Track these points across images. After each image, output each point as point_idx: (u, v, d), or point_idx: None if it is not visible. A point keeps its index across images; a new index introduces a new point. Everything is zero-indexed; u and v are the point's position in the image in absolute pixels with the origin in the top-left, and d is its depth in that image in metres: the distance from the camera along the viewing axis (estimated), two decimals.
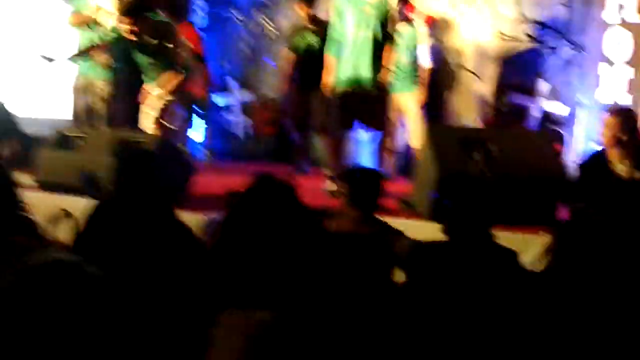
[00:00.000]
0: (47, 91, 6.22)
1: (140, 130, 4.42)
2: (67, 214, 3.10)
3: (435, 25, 5.80)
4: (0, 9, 6.33)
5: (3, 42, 6.31)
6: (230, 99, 6.90)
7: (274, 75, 6.79)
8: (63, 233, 3.06)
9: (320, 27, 5.62)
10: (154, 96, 4.44)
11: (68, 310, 1.12)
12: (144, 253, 2.33)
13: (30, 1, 6.38)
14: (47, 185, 3.98)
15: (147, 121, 4.47)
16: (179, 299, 2.01)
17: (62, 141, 4.24)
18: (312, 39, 5.60)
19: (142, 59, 4.46)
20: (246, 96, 6.90)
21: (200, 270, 2.24)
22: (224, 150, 6.68)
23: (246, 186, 2.52)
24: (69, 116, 5.26)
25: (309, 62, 5.59)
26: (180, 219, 2.64)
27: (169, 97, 4.45)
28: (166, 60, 4.44)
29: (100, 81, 4.94)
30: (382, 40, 4.44)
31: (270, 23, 6.80)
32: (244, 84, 6.82)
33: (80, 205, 3.15)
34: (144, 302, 2.03)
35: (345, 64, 4.48)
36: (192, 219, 3.12)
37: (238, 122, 6.91)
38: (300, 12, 5.66)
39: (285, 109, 6.40)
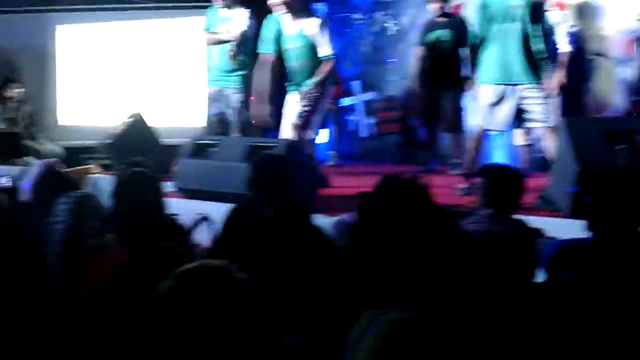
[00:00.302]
0: (183, 101, 6.57)
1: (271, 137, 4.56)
2: (206, 219, 3.24)
3: (577, 10, 5.50)
4: (138, 25, 6.81)
5: (140, 56, 6.75)
6: (353, 100, 6.95)
7: (397, 73, 6.76)
8: (202, 237, 3.20)
9: (452, 22, 5.54)
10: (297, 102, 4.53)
11: (221, 311, 1.17)
12: (279, 256, 2.39)
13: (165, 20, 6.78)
14: (185, 192, 4.20)
15: (287, 127, 4.57)
16: (316, 300, 2.04)
17: (198, 149, 4.45)
18: (443, 35, 5.50)
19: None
20: (370, 96, 6.92)
21: (335, 272, 2.27)
22: (349, 152, 6.74)
23: (376, 187, 2.53)
24: (204, 124, 5.53)
25: (439, 58, 5.52)
26: (313, 222, 2.69)
27: (309, 104, 4.52)
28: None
29: (231, 90, 5.15)
30: (531, 31, 4.20)
31: (392, 21, 6.77)
32: (367, 84, 6.84)
33: (217, 210, 3.30)
34: (281, 304, 2.08)
35: (491, 58, 4.27)
36: (322, 221, 3.17)
37: (362, 122, 6.94)
38: (431, 7, 5.58)
39: (410, 106, 6.35)
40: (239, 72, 5.13)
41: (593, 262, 2.19)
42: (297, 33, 4.52)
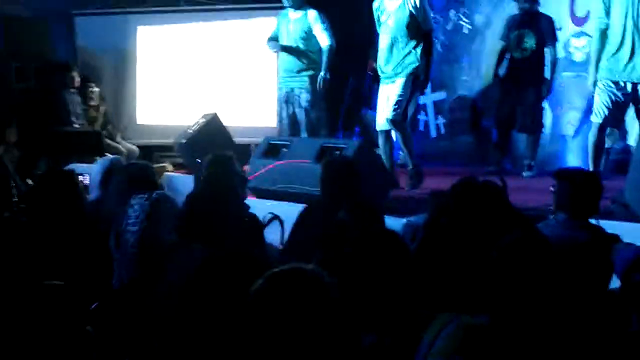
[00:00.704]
0: (256, 101, 6.71)
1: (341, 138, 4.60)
2: (277, 219, 3.31)
3: None
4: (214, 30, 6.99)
5: (215, 56, 6.92)
6: (424, 99, 6.91)
7: (469, 73, 6.67)
8: (273, 237, 3.27)
9: (537, 20, 5.42)
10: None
11: (310, 314, 1.23)
12: (355, 258, 2.41)
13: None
14: (258, 192, 4.30)
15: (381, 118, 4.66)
16: (388, 304, 2.05)
17: (270, 149, 4.55)
18: (527, 33, 5.39)
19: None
20: (440, 96, 6.86)
21: (407, 274, 2.28)
22: (419, 152, 6.71)
23: (451, 189, 2.52)
24: (275, 124, 5.63)
25: (522, 57, 5.41)
26: (383, 223, 2.71)
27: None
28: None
29: (301, 90, 5.23)
30: None
31: (466, 19, 6.69)
32: (439, 84, 6.78)
33: (289, 210, 3.37)
34: (357, 305, 2.11)
35: (615, 56, 4.16)
36: (393, 222, 3.19)
37: (432, 122, 6.89)
38: (515, 4, 5.48)
39: (484, 106, 6.27)
40: (307, 72, 5.21)
41: None
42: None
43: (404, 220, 3.31)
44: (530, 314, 1.73)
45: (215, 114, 5.43)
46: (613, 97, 4.19)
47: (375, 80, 6.24)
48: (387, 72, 4.67)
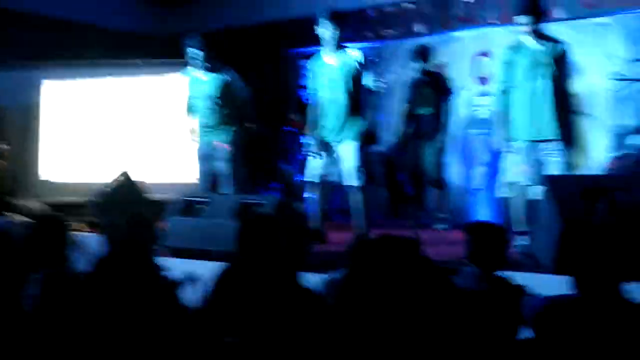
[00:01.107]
0: (173, 157, 6.63)
1: (261, 193, 4.62)
2: (194, 279, 3.25)
3: None
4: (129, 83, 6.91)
5: (128, 112, 6.83)
6: None
7: (385, 129, 6.90)
8: (190, 297, 3.20)
9: (435, 81, 5.71)
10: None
11: None
12: (269, 316, 2.40)
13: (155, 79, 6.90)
14: (175, 250, 4.21)
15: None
16: None
17: (188, 207, 4.49)
18: (427, 92, 5.66)
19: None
20: None
21: (325, 331, 2.29)
22: (337, 206, 6.80)
23: (368, 243, 2.57)
24: (195, 180, 5.58)
25: (422, 115, 5.67)
26: (302, 281, 2.71)
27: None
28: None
29: (221, 145, 5.23)
30: (561, 88, 4.32)
31: (380, 79, 6.95)
32: None
33: (207, 269, 3.31)
34: None
35: (520, 115, 4.35)
36: (312, 278, 3.20)
37: None
38: (414, 66, 5.77)
39: (398, 162, 6.49)
40: (227, 127, 5.24)
41: (577, 319, 2.23)
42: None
43: (326, 277, 3.32)
44: None
45: (128, 172, 5.33)
46: (522, 156, 4.38)
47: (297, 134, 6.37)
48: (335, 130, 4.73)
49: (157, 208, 4.92)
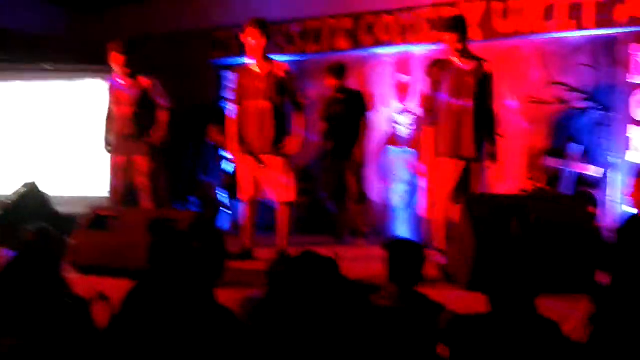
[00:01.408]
0: (83, 168, 6.35)
1: (176, 209, 4.47)
2: (103, 297, 3.08)
3: None
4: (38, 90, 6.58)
5: (37, 121, 6.50)
6: None
7: (304, 144, 6.88)
8: (99, 315, 3.03)
9: (350, 97, 5.73)
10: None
11: None
12: (181, 336, 2.30)
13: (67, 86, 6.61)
14: (82, 267, 4.00)
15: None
16: None
17: (97, 221, 4.28)
18: (341, 109, 5.67)
19: None
20: None
21: (242, 349, 2.20)
22: (260, 222, 6.69)
23: (287, 262, 2.50)
24: (105, 194, 5.35)
25: (339, 132, 5.67)
26: (217, 299, 2.61)
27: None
28: None
29: (139, 157, 5.03)
30: (484, 108, 4.38)
31: (303, 93, 6.92)
32: None
33: (116, 286, 3.15)
34: None
35: (444, 133, 4.38)
36: (230, 296, 3.10)
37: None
38: (328, 83, 5.76)
39: (318, 178, 6.49)
40: (145, 138, 5.07)
41: (489, 335, 2.26)
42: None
43: (243, 296, 3.22)
44: None
45: (35, 182, 5.06)
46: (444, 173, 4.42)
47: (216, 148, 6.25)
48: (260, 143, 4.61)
49: (65, 222, 4.68)
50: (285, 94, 4.61)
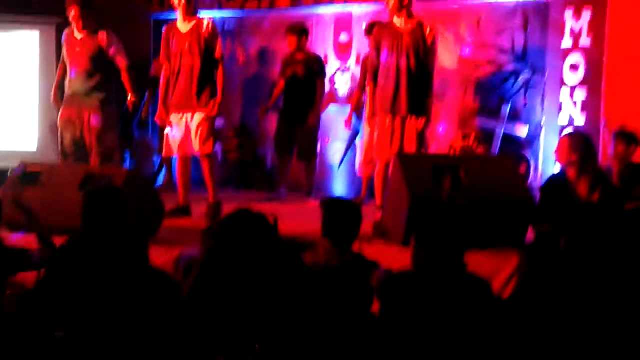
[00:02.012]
0: (14, 123, 6.11)
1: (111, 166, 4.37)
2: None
3: None
4: None
5: None
6: None
7: (244, 101, 6.80)
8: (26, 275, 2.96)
9: (309, 58, 5.70)
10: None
11: None
12: (113, 296, 2.26)
13: None
14: (10, 224, 3.86)
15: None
16: (156, 347, 1.95)
17: (27, 177, 4.14)
18: (299, 71, 5.66)
19: None
20: (218, 123, 6.88)
21: (177, 313, 2.19)
22: (194, 179, 6.63)
23: (223, 221, 2.49)
24: (33, 149, 5.17)
25: (297, 92, 5.65)
26: (150, 259, 2.59)
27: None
28: None
29: (90, 113, 4.90)
30: (422, 68, 4.44)
31: (242, 49, 6.83)
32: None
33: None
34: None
35: (382, 92, 4.44)
36: (163, 254, 3.08)
37: None
38: (289, 42, 5.72)
39: (259, 135, 6.46)
40: (98, 94, 4.91)
41: (419, 292, 2.32)
42: None
43: (176, 255, 3.21)
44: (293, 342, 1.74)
45: None
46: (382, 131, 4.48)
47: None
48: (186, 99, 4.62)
49: None
50: (211, 50, 4.61)
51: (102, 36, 4.92)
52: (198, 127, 4.62)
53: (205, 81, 4.60)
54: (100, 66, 4.91)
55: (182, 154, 4.73)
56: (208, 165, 4.70)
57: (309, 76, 5.69)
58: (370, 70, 4.56)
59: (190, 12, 4.60)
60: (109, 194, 2.78)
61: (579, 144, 3.64)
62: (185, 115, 4.65)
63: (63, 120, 4.95)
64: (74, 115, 4.92)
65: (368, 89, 4.57)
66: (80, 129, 4.92)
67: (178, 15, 4.64)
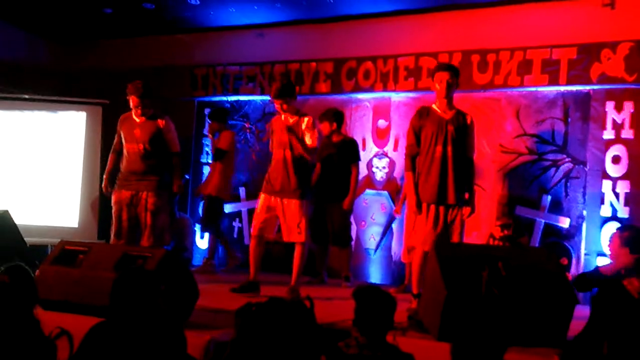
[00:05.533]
0: (55, 200, 6.26)
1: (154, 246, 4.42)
2: (64, 333, 2.98)
3: None
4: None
5: (15, 150, 6.44)
6: (237, 206, 6.94)
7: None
8: (61, 353, 2.94)
9: (344, 142, 5.78)
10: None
11: None
12: None
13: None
14: (46, 303, 3.88)
15: None
16: None
17: (65, 255, 4.19)
18: (334, 154, 5.72)
19: None
20: (253, 203, 6.93)
21: None
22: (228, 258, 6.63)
23: (258, 307, 2.44)
24: (74, 225, 5.26)
25: (330, 175, 5.70)
26: (183, 341, 2.55)
27: None
28: None
29: (147, 193, 5.05)
30: (465, 156, 4.43)
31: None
32: (252, 192, 6.87)
33: (80, 324, 3.06)
34: None
35: (427, 179, 4.38)
36: (196, 338, 3.03)
37: (248, 229, 6.89)
38: (322, 128, 5.81)
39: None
40: (154, 175, 5.09)
41: None
42: None
43: (208, 339, 3.15)
44: None
45: (6, 210, 4.97)
46: (424, 219, 4.40)
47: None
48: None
49: (33, 253, 4.59)
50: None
51: (162, 121, 5.15)
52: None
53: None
54: (157, 149, 5.11)
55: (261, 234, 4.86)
56: (300, 252, 4.83)
57: (343, 159, 5.73)
58: (408, 157, 4.55)
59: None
60: (138, 277, 2.77)
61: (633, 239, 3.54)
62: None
63: (119, 200, 5.08)
64: (130, 195, 5.05)
65: (408, 175, 4.53)
66: (136, 208, 5.02)
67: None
